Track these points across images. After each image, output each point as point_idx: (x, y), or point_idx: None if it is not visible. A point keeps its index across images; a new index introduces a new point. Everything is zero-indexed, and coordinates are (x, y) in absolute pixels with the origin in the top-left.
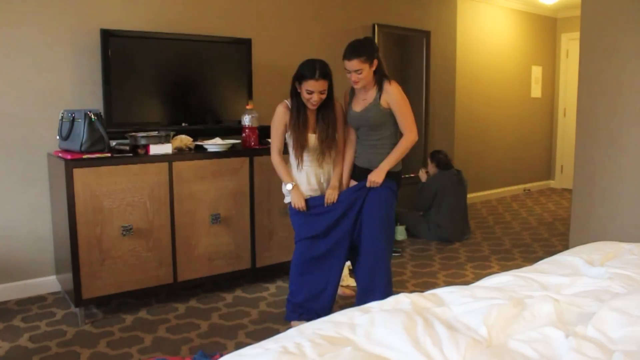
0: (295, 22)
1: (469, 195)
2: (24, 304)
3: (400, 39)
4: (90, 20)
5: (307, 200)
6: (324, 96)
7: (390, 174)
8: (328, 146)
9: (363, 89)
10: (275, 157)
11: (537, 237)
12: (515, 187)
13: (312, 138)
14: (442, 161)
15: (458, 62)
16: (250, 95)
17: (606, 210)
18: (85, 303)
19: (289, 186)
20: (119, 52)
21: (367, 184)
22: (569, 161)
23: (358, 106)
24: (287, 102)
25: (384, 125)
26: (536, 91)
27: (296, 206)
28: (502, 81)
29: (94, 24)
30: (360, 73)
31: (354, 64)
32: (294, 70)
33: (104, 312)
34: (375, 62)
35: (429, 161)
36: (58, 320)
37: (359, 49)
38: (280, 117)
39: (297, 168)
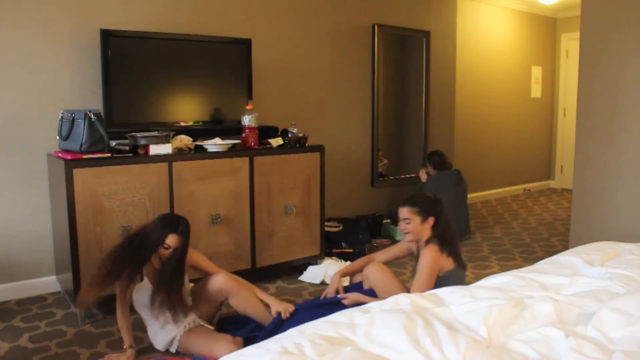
0: (295, 22)
1: (469, 195)
2: (24, 304)
3: (400, 39)
4: (90, 20)
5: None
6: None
7: None
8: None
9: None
10: None
11: (537, 237)
12: (515, 187)
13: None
14: (437, 162)
15: (458, 62)
16: (250, 96)
17: (606, 210)
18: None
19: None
20: (119, 52)
21: (347, 302)
22: (569, 161)
23: None
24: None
25: None
26: (536, 91)
27: None
28: (502, 81)
29: (94, 24)
30: (409, 223)
31: (404, 211)
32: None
33: (104, 312)
34: (431, 220)
35: (427, 162)
36: (58, 320)
37: (414, 199)
38: None
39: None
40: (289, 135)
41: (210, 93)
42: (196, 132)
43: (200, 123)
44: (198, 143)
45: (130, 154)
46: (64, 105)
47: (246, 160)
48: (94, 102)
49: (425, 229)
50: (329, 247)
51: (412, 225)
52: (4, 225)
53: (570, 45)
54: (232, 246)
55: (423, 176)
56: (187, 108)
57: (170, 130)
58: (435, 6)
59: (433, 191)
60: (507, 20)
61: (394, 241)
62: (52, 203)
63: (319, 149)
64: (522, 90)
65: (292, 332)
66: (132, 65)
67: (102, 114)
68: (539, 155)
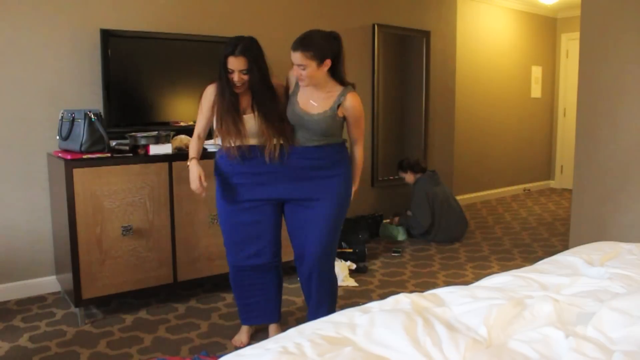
0: (296, 22)
1: (469, 195)
2: (24, 304)
3: (400, 39)
4: (90, 20)
5: None
6: (245, 77)
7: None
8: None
9: (316, 88)
10: None
11: (537, 237)
12: (515, 187)
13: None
14: (418, 165)
15: (458, 62)
16: None
17: (606, 210)
18: (85, 303)
19: None
20: (119, 52)
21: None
22: (569, 161)
23: (308, 106)
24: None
25: (331, 133)
26: (536, 91)
27: None
28: (502, 81)
29: (94, 24)
30: (304, 69)
31: (296, 57)
32: None
33: (104, 312)
34: (328, 62)
35: (406, 173)
36: (58, 320)
37: (307, 41)
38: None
39: None
40: None
41: None
42: None
43: None
44: None
45: (130, 154)
46: (64, 105)
47: None
48: (94, 102)
49: (321, 72)
50: None
51: (308, 71)
52: (4, 225)
53: (570, 45)
54: None
55: (410, 178)
56: (187, 108)
57: (170, 130)
58: (435, 6)
59: (427, 191)
60: (507, 20)
61: (394, 241)
62: (52, 203)
63: None
64: (522, 90)
65: (292, 332)
66: (132, 65)
67: (102, 114)
68: (539, 155)
